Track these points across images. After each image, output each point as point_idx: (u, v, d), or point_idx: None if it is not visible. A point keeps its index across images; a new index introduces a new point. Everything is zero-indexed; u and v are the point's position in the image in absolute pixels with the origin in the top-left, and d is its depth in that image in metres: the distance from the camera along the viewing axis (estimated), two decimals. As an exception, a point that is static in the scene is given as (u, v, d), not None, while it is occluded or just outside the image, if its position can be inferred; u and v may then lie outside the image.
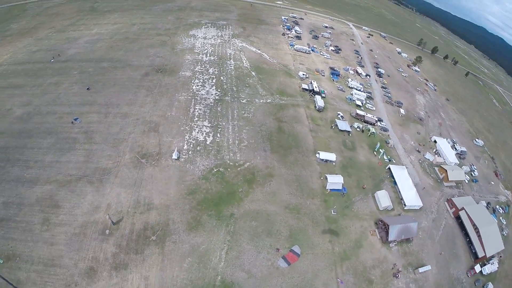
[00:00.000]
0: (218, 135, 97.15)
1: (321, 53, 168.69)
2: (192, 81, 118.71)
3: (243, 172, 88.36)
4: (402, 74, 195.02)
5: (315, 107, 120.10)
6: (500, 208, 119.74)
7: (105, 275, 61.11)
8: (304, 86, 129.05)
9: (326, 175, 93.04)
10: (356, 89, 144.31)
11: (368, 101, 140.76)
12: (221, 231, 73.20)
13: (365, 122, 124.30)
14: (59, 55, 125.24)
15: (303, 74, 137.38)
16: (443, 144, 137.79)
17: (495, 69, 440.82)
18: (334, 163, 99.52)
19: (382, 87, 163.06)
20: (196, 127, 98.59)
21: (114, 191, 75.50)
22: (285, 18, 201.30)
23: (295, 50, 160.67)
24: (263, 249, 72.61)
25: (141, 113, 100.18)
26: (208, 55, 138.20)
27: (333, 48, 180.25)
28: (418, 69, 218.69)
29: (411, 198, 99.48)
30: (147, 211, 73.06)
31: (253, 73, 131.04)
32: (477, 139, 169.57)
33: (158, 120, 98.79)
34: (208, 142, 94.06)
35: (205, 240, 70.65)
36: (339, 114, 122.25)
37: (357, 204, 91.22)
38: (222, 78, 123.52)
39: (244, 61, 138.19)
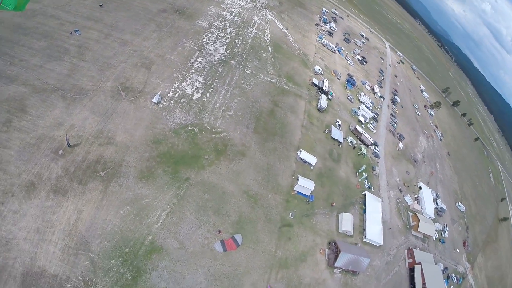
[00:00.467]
0: (208, 94, 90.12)
1: (346, 57, 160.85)
2: (205, 33, 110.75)
3: (216, 140, 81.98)
4: (416, 111, 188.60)
5: (317, 105, 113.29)
6: (455, 277, 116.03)
7: (43, 195, 57.10)
8: (315, 81, 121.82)
9: (299, 176, 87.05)
10: (365, 105, 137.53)
11: (371, 122, 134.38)
12: (170, 191, 67.75)
13: (360, 140, 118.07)
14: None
15: (319, 69, 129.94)
16: (427, 194, 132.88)
17: (504, 147, 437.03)
18: (312, 167, 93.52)
19: (391, 114, 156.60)
20: (189, 79, 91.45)
21: (83, 114, 70.28)
22: (325, 10, 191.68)
23: (322, 44, 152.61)
24: (204, 225, 67.36)
25: (141, 46, 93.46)
26: (233, 14, 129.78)
27: (359, 58, 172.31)
28: (433, 114, 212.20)
29: (374, 232, 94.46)
30: (106, 145, 67.85)
31: (269, 48, 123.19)
32: (460, 203, 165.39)
33: (155, 59, 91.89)
34: (194, 98, 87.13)
35: (151, 194, 65.46)
36: (337, 121, 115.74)
37: (318, 217, 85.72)
38: (236, 41, 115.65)
39: (266, 34, 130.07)
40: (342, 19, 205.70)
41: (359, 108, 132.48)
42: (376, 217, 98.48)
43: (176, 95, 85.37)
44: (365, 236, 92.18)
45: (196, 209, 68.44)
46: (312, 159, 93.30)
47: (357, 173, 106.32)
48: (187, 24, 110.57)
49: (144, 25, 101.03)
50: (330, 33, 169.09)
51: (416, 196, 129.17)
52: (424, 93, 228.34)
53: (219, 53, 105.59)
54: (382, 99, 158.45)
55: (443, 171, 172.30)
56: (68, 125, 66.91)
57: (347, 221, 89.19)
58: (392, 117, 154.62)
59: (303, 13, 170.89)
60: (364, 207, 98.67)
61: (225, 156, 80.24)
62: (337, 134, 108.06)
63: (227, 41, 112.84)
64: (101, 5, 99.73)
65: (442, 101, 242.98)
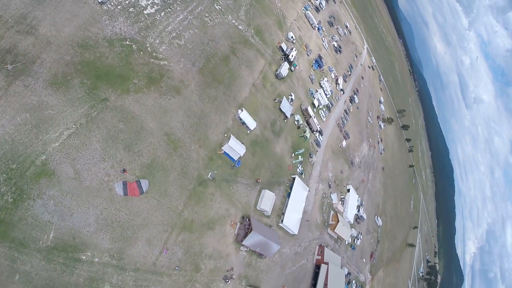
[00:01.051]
0: (163, 14, 75.03)
1: (323, 38, 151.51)
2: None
3: (153, 66, 68.41)
4: (369, 118, 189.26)
5: (276, 70, 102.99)
6: (355, 284, 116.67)
7: None
8: (284, 46, 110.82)
9: (232, 135, 77.04)
10: (324, 91, 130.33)
11: (324, 109, 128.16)
12: (80, 109, 54.86)
13: (307, 123, 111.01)
14: None
15: (292, 37, 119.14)
16: (352, 199, 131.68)
17: (430, 182, 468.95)
18: (248, 132, 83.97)
19: (345, 111, 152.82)
20: None
21: None
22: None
23: (305, 14, 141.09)
24: (109, 159, 56.08)
25: None
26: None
27: (336, 45, 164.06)
28: (382, 127, 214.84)
29: (292, 220, 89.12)
30: (25, 34, 53.66)
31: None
32: (379, 217, 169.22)
33: None
34: (146, 12, 71.72)
35: (58, 106, 52.76)
36: (291, 95, 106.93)
37: (239, 187, 77.29)
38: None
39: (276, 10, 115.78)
40: (334, 2, 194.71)
41: (317, 91, 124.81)
42: (298, 205, 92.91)
43: (127, 1, 69.62)
44: (282, 221, 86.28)
45: (105, 137, 56.45)
46: (251, 123, 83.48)
47: (293, 155, 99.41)
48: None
49: None
50: (317, 9, 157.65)
51: (342, 197, 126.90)
52: (382, 105, 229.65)
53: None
54: (342, 92, 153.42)
55: (373, 183, 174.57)
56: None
57: (268, 200, 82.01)
58: (345, 113, 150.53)
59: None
60: (289, 191, 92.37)
61: (157, 87, 67.28)
62: (286, 107, 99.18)
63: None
64: None
65: (394, 120, 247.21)
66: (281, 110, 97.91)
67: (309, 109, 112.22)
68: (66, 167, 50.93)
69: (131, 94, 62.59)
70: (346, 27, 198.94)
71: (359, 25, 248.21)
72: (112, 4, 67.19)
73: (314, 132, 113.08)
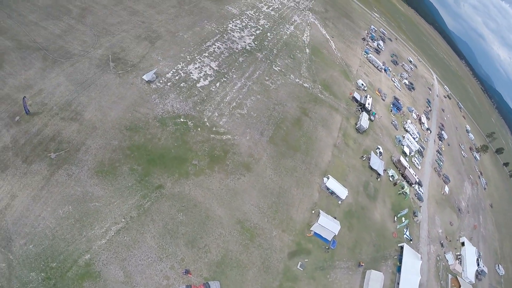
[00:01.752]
0: (218, 84, 66.20)
1: (393, 79, 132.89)
2: (233, 19, 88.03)
3: (214, 142, 57.33)
4: (462, 152, 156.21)
5: (356, 124, 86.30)
6: None
7: (-22, 163, 39.00)
8: (356, 95, 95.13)
9: (321, 211, 60.15)
10: (411, 135, 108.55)
11: (416, 156, 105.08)
12: (131, 199, 44.62)
13: (402, 176, 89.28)
14: None
15: (362, 84, 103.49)
16: (470, 252, 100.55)
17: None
18: (340, 202, 66.12)
19: (438, 151, 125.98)
20: (199, 62, 68.33)
21: (57, 80, 52.87)
22: (373, 28, 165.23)
23: (367, 59, 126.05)
24: (168, 259, 42.95)
25: (152, 19, 73.76)
26: (270, 8, 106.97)
27: (407, 82, 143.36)
28: (478, 158, 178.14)
29: (409, 302, 65.45)
30: (69, 120, 48.68)
31: (307, 50, 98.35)
32: (500, 266, 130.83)
33: (164, 34, 71.08)
34: (199, 85, 63.52)
35: (104, 197, 43.47)
36: (378, 148, 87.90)
37: (338, 273, 58.06)
38: (269, 34, 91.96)
39: (305, 35, 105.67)
40: (391, 40, 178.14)
41: (403, 137, 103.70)
42: (413, 280, 69.11)
43: (177, 77, 62.45)
44: (398, 306, 63.30)
45: (161, 232, 44.33)
46: (342, 191, 65.84)
47: (396, 218, 77.52)
48: (214, 6, 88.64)
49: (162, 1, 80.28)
50: (377, 51, 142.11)
51: (458, 254, 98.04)
52: (470, 134, 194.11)
53: (245, 42, 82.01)
54: (428, 131, 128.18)
55: (486, 226, 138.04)
56: (36, 89, 50.02)
57: (376, 283, 60.94)
58: (438, 154, 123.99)
59: (349, 25, 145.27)
60: (399, 264, 69.62)
61: (221, 166, 55.22)
62: (376, 163, 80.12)
63: (258, 32, 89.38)
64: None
65: (487, 146, 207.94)
66: (371, 168, 78.86)
67: (402, 159, 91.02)
68: (115, 269, 39.09)
69: (191, 178, 50.87)
70: (410, 61, 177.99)
71: (421, 57, 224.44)
72: (161, 81, 60.11)
73: (413, 185, 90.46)
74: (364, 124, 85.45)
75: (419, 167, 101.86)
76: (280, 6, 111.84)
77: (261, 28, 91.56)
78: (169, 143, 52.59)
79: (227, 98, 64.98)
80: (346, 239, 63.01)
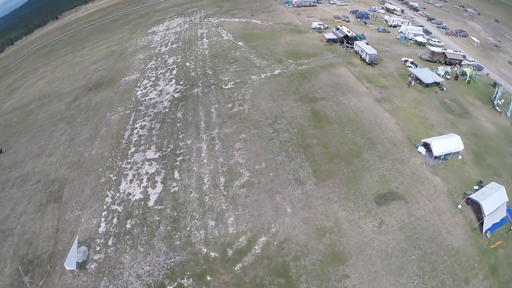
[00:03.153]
0: (176, 174, 35.21)
1: (331, 1, 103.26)
2: (138, 84, 57.95)
3: (251, 275, 25.51)
4: (436, 5, 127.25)
5: (362, 57, 56.16)
6: None
7: None
8: (329, 36, 64.44)
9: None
10: (403, 24, 78.68)
11: (429, 36, 74.56)
12: None
13: (448, 64, 58.10)
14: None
15: (320, 25, 73.45)
16: None
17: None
18: (460, 156, 34.98)
19: (429, 19, 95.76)
20: (130, 168, 37.64)
21: None
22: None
23: (295, 5, 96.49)
24: None
25: (46, 168, 44.50)
26: (169, 44, 77.51)
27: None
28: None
29: None
30: None
31: (240, 43, 68.31)
32: None
33: (67, 173, 41.35)
34: (151, 203, 32.26)
35: None
36: (406, 60, 57.54)
37: None
38: (188, 64, 61.75)
39: (224, 35, 75.82)
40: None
41: (401, 31, 73.33)
42: None
43: (115, 221, 31.88)
44: None
45: None
46: (453, 143, 35.09)
47: (497, 106, 46.77)
48: (108, 92, 59.36)
49: (50, 135, 53.13)
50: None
51: None
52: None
53: (168, 93, 51.51)
54: (403, 12, 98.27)
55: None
56: None
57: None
58: (432, 21, 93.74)
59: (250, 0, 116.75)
60: None
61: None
62: (427, 75, 49.93)
63: (174, 72, 59.18)
64: (1, 151, 53.59)
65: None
66: (427, 85, 48.48)
67: (432, 49, 60.37)
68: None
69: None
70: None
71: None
72: (95, 252, 30.46)
73: (461, 62, 58.88)
74: (371, 51, 55.13)
75: (442, 43, 70.58)
76: (176, 36, 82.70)
77: (175, 66, 61.72)
78: None
79: (206, 181, 33.76)
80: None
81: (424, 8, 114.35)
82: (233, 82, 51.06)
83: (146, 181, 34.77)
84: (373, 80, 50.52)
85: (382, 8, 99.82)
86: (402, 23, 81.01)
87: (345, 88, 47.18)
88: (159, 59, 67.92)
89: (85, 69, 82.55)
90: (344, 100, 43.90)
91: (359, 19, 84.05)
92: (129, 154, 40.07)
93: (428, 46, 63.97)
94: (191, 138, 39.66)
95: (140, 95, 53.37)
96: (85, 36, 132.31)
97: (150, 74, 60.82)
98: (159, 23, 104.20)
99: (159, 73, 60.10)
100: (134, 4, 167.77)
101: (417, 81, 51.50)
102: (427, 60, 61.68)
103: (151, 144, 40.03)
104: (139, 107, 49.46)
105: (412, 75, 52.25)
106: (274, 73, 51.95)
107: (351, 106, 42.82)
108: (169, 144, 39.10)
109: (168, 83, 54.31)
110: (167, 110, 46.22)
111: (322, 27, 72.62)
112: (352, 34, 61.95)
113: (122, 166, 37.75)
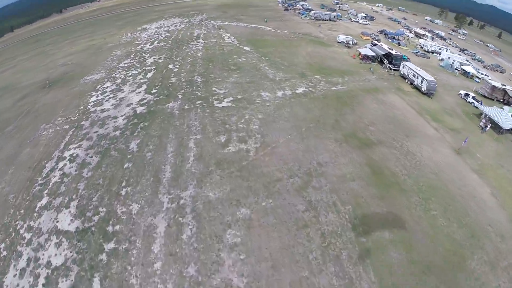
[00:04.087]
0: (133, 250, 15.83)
1: (353, 20, 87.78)
2: (97, 87, 39.06)
3: None
4: (459, 37, 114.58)
5: (413, 84, 39.43)
6: None
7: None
8: (366, 52, 47.23)
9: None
10: (445, 52, 62.63)
11: (476, 68, 58.97)
12: None
13: (506, 103, 42.25)
14: None
15: (348, 38, 56.46)
16: None
17: None
18: None
19: (460, 49, 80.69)
20: (29, 243, 17.98)
21: None
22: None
23: (312, 17, 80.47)
24: None
25: None
26: (155, 42, 59.43)
27: (364, 15, 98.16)
28: (466, 32, 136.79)
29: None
30: None
31: (246, 48, 50.52)
32: None
33: None
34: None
35: None
36: (467, 95, 41.23)
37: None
38: (171, 66, 43.30)
39: (227, 38, 58.20)
40: None
41: (444, 59, 57.11)
42: None
43: None
44: None
45: None
46: None
47: None
48: (61, 92, 40.82)
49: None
50: (308, 9, 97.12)
51: None
52: (436, 20, 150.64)
53: (131, 103, 32.50)
54: (434, 39, 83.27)
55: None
56: None
57: None
58: (464, 52, 78.62)
59: (259, 9, 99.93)
60: None
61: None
62: (505, 119, 32.63)
63: (149, 75, 40.47)
64: None
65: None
66: (508, 130, 29.89)
67: (493, 83, 44.27)
68: None
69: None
70: (337, 3, 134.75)
71: None
72: None
73: None
74: (430, 77, 37.89)
75: (489, 78, 54.17)
76: (168, 34, 64.87)
77: (153, 67, 43.24)
78: None
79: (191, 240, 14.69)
80: None
81: (450, 38, 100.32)
82: (231, 98, 32.64)
83: (64, 254, 15.80)
84: (438, 118, 32.97)
85: (410, 32, 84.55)
86: (440, 49, 65.17)
87: (407, 127, 29.29)
88: (137, 57, 49.48)
89: (54, 62, 64.15)
90: (413, 148, 25.91)
91: (390, 40, 67.92)
92: (36, 209, 20.86)
93: (487, 79, 47.59)
94: (140, 200, 20.36)
95: (92, 103, 34.45)
96: (72, 29, 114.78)
97: (118, 75, 42.11)
98: (153, 22, 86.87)
99: (129, 74, 41.54)
100: (137, 4, 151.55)
101: (492, 125, 34.51)
102: (483, 96, 45.09)
103: (73, 198, 20.82)
104: (83, 122, 30.48)
105: (486, 115, 35.28)
106: (297, 91, 33.75)
107: (425, 160, 24.80)
108: (99, 206, 19.86)
109: (135, 89, 35.57)
110: (117, 133, 27.16)
111: (351, 42, 55.72)
112: (397, 52, 44.98)
113: (21, 232, 18.56)
